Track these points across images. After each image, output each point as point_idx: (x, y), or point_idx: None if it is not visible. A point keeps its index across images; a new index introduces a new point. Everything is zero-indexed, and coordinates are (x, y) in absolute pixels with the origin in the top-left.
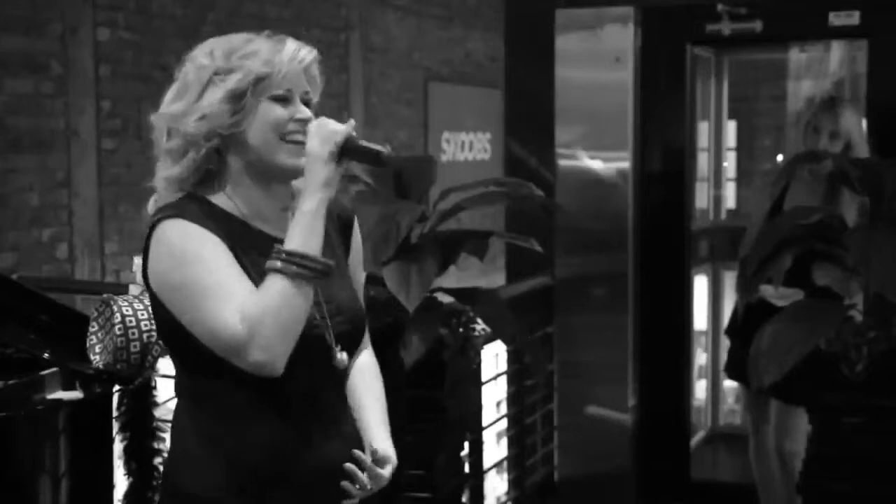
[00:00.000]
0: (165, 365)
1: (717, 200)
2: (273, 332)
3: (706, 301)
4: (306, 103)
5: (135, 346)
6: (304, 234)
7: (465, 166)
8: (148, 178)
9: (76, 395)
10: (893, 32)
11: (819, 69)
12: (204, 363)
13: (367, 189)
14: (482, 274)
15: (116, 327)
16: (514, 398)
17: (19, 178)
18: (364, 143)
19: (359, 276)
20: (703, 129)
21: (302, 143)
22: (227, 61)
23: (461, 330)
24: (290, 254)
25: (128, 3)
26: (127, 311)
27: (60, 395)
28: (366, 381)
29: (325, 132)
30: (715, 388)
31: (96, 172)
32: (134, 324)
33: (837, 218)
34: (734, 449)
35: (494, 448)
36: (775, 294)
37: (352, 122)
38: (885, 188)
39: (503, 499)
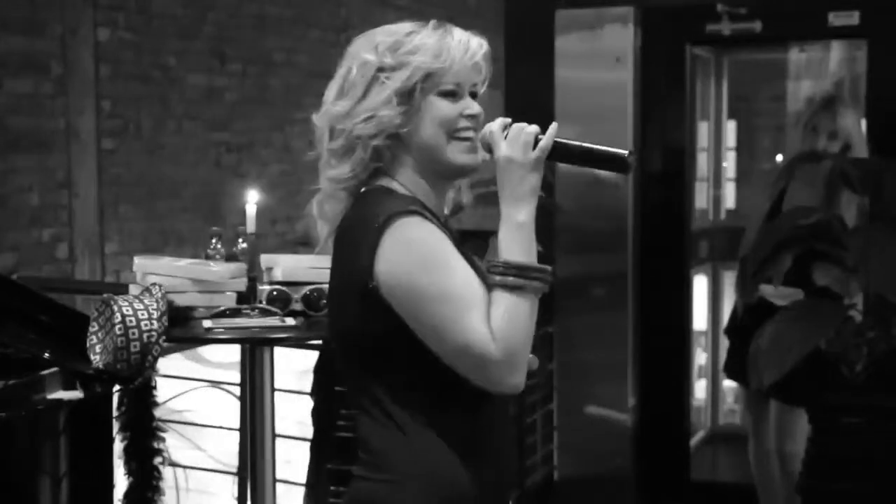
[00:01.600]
0: (165, 365)
1: (717, 200)
2: (521, 351)
3: (706, 301)
4: (473, 95)
5: (135, 346)
6: (525, 246)
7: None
8: (151, 182)
9: (76, 395)
10: (893, 33)
11: (819, 69)
12: (414, 376)
13: None
14: None
15: (117, 327)
16: (513, 398)
17: (19, 178)
18: (576, 143)
19: None
20: (703, 129)
21: (471, 140)
22: (393, 57)
23: None
24: (520, 267)
25: (128, 3)
26: (127, 311)
27: (61, 395)
28: None
29: (526, 136)
30: (715, 387)
31: (96, 172)
32: (134, 324)
33: (837, 218)
34: (734, 449)
35: None
36: (775, 293)
37: (555, 124)
38: (884, 188)
39: None
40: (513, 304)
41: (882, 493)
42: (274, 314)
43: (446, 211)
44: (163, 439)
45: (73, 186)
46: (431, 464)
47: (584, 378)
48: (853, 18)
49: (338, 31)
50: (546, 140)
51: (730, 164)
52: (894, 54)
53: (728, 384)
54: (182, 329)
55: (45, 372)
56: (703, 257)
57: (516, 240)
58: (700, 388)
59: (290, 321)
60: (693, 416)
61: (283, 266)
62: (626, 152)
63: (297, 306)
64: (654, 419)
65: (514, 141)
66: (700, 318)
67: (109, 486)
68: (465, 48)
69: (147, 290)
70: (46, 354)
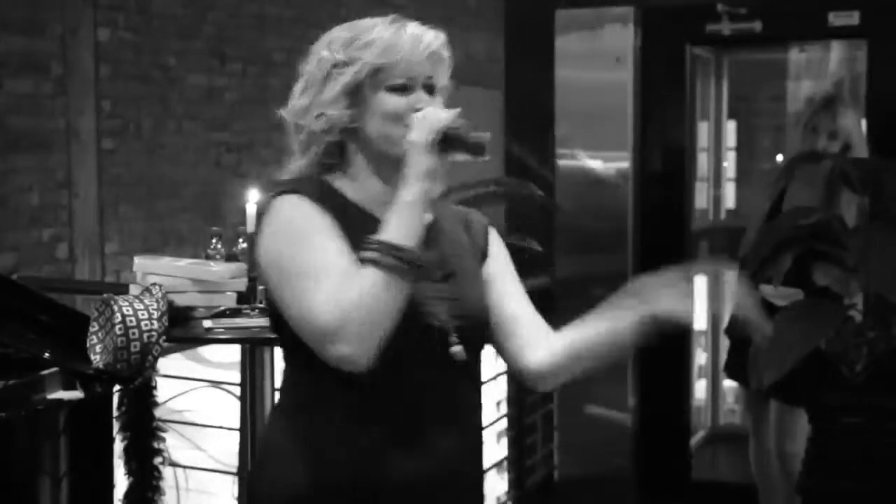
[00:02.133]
0: (165, 365)
1: (717, 200)
2: (361, 325)
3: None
4: (430, 88)
5: (135, 346)
6: (400, 224)
7: (465, 166)
8: (151, 182)
9: (76, 395)
10: (893, 32)
11: (819, 69)
12: (307, 354)
13: None
14: None
15: (117, 327)
16: (513, 398)
17: (19, 178)
18: (467, 132)
19: (508, 285)
20: (703, 129)
21: None
22: (345, 53)
23: None
24: (384, 244)
25: (128, 3)
26: (127, 310)
27: (61, 395)
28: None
29: (429, 121)
30: (715, 388)
31: (96, 172)
32: (134, 324)
33: (837, 218)
34: (734, 449)
35: (494, 448)
36: (775, 294)
37: (457, 110)
38: (884, 188)
39: (503, 499)
40: (363, 278)
41: (882, 493)
42: None
43: (414, 185)
44: (163, 439)
45: (73, 186)
46: (316, 438)
47: (583, 378)
48: (853, 18)
49: None
50: (438, 124)
51: (730, 164)
52: (894, 54)
53: (728, 384)
54: (182, 329)
55: (45, 372)
56: (703, 257)
57: (394, 218)
58: (700, 388)
59: None
60: (693, 415)
61: None
62: (484, 137)
63: None
64: (654, 419)
65: (418, 124)
66: (700, 318)
67: (109, 486)
68: (418, 41)
69: (147, 290)
70: (46, 354)
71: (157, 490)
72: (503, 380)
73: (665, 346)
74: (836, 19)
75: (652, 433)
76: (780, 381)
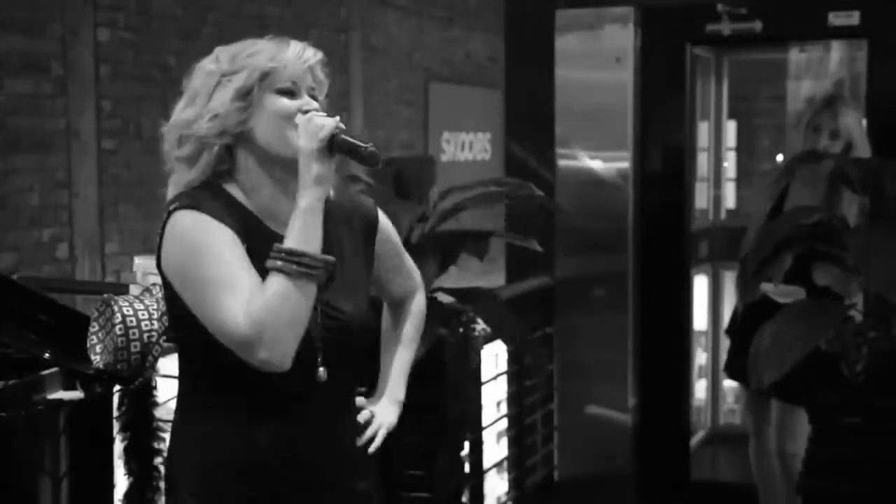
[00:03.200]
0: (166, 365)
1: (717, 200)
2: (276, 331)
3: (706, 301)
4: (313, 98)
5: (135, 347)
6: (301, 231)
7: (466, 166)
8: (151, 182)
9: (77, 395)
10: (893, 32)
11: (819, 69)
12: (206, 355)
13: (367, 189)
14: (482, 274)
15: (117, 327)
16: (514, 398)
17: (20, 178)
18: (351, 138)
19: (394, 260)
20: (703, 129)
21: None
22: (233, 63)
23: (461, 330)
24: (288, 252)
25: (128, 3)
26: (127, 311)
27: (61, 395)
28: (401, 326)
29: (313, 127)
30: (715, 388)
31: (96, 172)
32: (134, 324)
33: (839, 218)
34: (734, 449)
35: (494, 448)
36: (777, 291)
37: (337, 117)
38: (884, 188)
39: (503, 499)
40: (271, 285)
41: (882, 493)
42: None
43: (310, 191)
44: (163, 439)
45: (74, 186)
46: (209, 433)
47: (584, 378)
48: (853, 18)
49: (338, 31)
50: (324, 131)
51: (730, 164)
52: (894, 54)
53: (728, 384)
54: None
55: (46, 372)
56: (704, 257)
57: (295, 225)
58: (700, 388)
59: None
60: (693, 416)
61: None
62: (367, 144)
63: None
64: (654, 419)
65: (304, 130)
66: (700, 319)
67: (110, 486)
68: (300, 54)
69: (147, 290)
70: (47, 354)
71: (158, 490)
72: (503, 380)
73: (665, 346)
74: (836, 19)
75: (652, 433)
76: (781, 381)
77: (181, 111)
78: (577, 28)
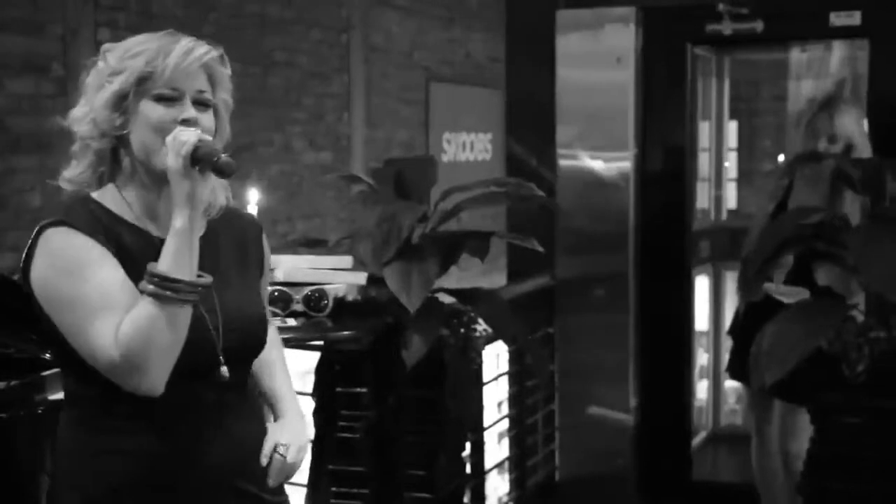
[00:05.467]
0: None
1: (718, 200)
2: (146, 357)
3: (707, 301)
4: (202, 103)
5: None
6: (174, 255)
7: (466, 166)
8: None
9: None
10: (894, 32)
11: (820, 69)
12: (83, 371)
13: (368, 189)
14: (483, 274)
15: None
16: (515, 398)
17: (20, 178)
18: (208, 150)
19: (264, 282)
20: (704, 129)
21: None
22: (118, 63)
23: (462, 330)
24: (160, 277)
25: (129, 3)
26: None
27: (61, 395)
28: (270, 351)
29: (177, 144)
30: (716, 388)
31: None
32: None
33: (840, 218)
34: (735, 449)
35: (496, 448)
36: (781, 291)
37: (197, 130)
38: (886, 188)
39: (505, 499)
40: (143, 311)
41: (883, 493)
42: (275, 315)
43: (182, 211)
44: None
45: None
46: (96, 449)
47: (585, 379)
48: (854, 18)
49: (338, 31)
50: (185, 147)
51: (731, 164)
52: (895, 54)
53: (729, 384)
54: None
55: (46, 373)
56: (705, 257)
57: (169, 249)
58: (702, 389)
59: (292, 322)
60: (695, 416)
61: (284, 267)
62: (221, 156)
63: (298, 307)
64: (655, 420)
65: (170, 149)
66: (701, 319)
67: None
68: (188, 53)
69: None
70: (47, 355)
71: None
72: (504, 380)
73: (666, 346)
74: (837, 19)
75: (653, 434)
76: (783, 381)
77: (77, 107)
78: (578, 28)
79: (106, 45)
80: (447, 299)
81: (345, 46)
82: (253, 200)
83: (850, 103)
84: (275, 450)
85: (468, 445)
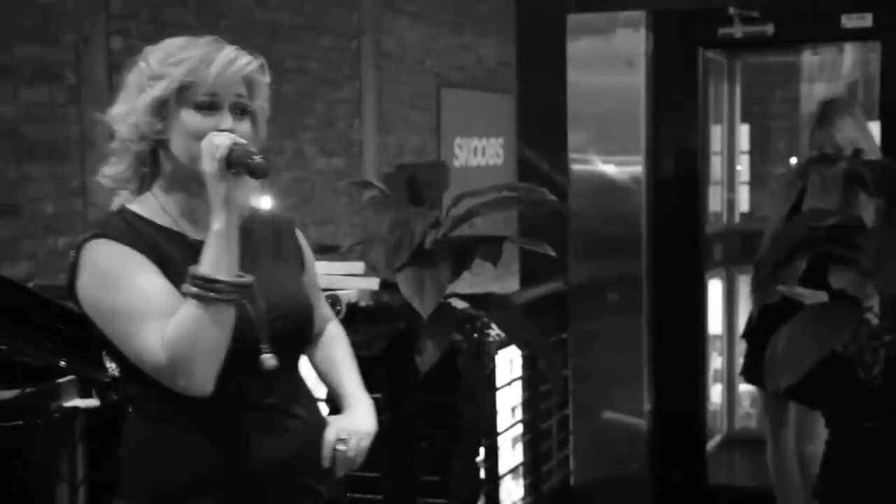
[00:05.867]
0: None
1: (731, 204)
2: (192, 358)
3: (721, 305)
4: (242, 109)
5: None
6: (214, 257)
7: (478, 171)
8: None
9: (92, 402)
10: None
11: (832, 71)
12: (139, 373)
13: (380, 195)
14: (496, 279)
15: None
16: (528, 403)
17: (34, 186)
18: (243, 152)
19: (312, 277)
20: (716, 133)
21: None
22: (159, 67)
23: (475, 335)
24: (202, 279)
25: (141, 12)
26: None
27: (77, 402)
28: (335, 348)
29: (211, 148)
30: (731, 392)
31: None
32: None
33: (854, 220)
34: (750, 453)
35: (510, 453)
36: (798, 291)
37: (230, 134)
38: None
39: None
40: (187, 313)
41: None
42: None
43: (219, 213)
44: None
45: (88, 195)
46: (154, 444)
47: (599, 383)
48: (866, 20)
49: (349, 37)
50: (219, 151)
51: (743, 167)
52: None
53: (744, 388)
54: None
55: (62, 380)
56: (718, 261)
57: (209, 251)
58: (716, 393)
59: None
60: (709, 420)
61: None
62: (257, 159)
63: None
64: (669, 424)
65: (205, 153)
66: (715, 322)
67: None
68: (231, 63)
69: None
70: (62, 362)
71: None
72: (518, 385)
73: (680, 350)
74: (849, 21)
75: (667, 438)
76: (798, 384)
77: (115, 105)
78: (589, 32)
79: (155, 47)
80: (460, 304)
81: (356, 52)
82: (265, 207)
83: (846, 112)
84: (336, 443)
85: (482, 450)
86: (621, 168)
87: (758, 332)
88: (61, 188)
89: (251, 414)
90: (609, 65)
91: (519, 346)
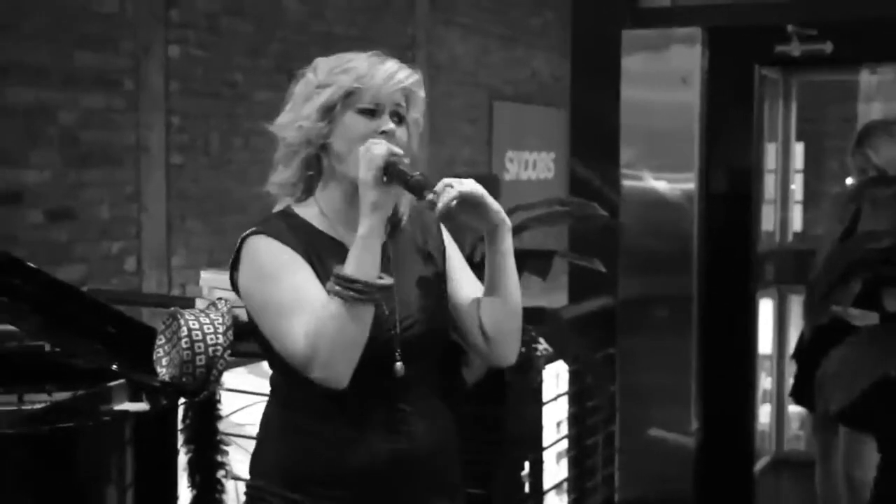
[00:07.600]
0: (230, 379)
1: (784, 223)
2: (331, 353)
3: (771, 324)
4: (399, 116)
5: (200, 360)
6: (357, 259)
7: (529, 185)
8: (218, 197)
9: (142, 406)
10: None
11: (891, 91)
12: (284, 364)
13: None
14: (544, 293)
15: (183, 341)
16: (574, 419)
17: (90, 191)
18: (403, 167)
19: (457, 274)
20: (771, 151)
21: None
22: (326, 76)
23: (523, 349)
24: (344, 279)
25: (199, 21)
26: (193, 325)
27: (127, 406)
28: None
29: (369, 156)
30: (780, 413)
31: (164, 187)
32: (200, 338)
33: None
34: (799, 475)
35: (554, 469)
36: (851, 313)
37: (387, 144)
38: None
39: None
40: (329, 310)
41: None
42: None
43: (366, 219)
44: (226, 452)
45: (142, 200)
46: (284, 432)
47: (646, 400)
48: None
49: (404, 48)
50: (376, 161)
51: (797, 186)
52: None
53: (794, 409)
54: (247, 344)
55: (113, 383)
56: (770, 280)
57: (353, 252)
58: (764, 413)
59: None
60: (757, 441)
61: None
62: (416, 174)
63: None
64: (717, 443)
65: (362, 158)
66: (765, 342)
67: (173, 497)
68: (392, 76)
69: (213, 304)
70: (114, 366)
71: (220, 503)
72: (564, 400)
73: (729, 369)
74: None
75: (714, 458)
76: (849, 407)
77: (282, 114)
78: (644, 48)
79: (320, 60)
80: None
81: (410, 63)
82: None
83: (885, 133)
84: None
85: (527, 465)
86: (673, 184)
87: (809, 352)
88: (116, 194)
89: (382, 414)
90: (663, 81)
91: (566, 361)
